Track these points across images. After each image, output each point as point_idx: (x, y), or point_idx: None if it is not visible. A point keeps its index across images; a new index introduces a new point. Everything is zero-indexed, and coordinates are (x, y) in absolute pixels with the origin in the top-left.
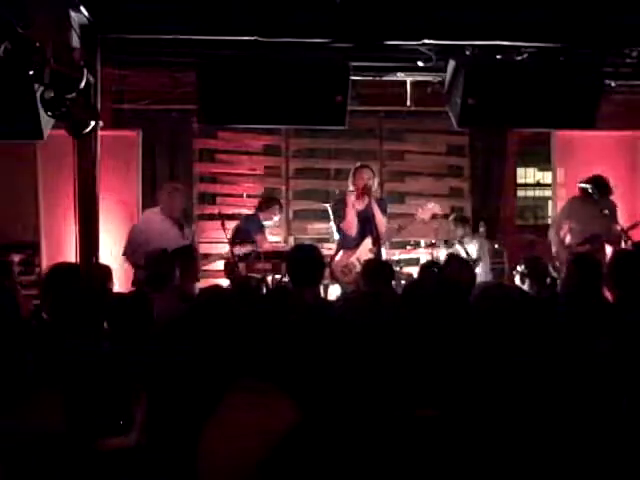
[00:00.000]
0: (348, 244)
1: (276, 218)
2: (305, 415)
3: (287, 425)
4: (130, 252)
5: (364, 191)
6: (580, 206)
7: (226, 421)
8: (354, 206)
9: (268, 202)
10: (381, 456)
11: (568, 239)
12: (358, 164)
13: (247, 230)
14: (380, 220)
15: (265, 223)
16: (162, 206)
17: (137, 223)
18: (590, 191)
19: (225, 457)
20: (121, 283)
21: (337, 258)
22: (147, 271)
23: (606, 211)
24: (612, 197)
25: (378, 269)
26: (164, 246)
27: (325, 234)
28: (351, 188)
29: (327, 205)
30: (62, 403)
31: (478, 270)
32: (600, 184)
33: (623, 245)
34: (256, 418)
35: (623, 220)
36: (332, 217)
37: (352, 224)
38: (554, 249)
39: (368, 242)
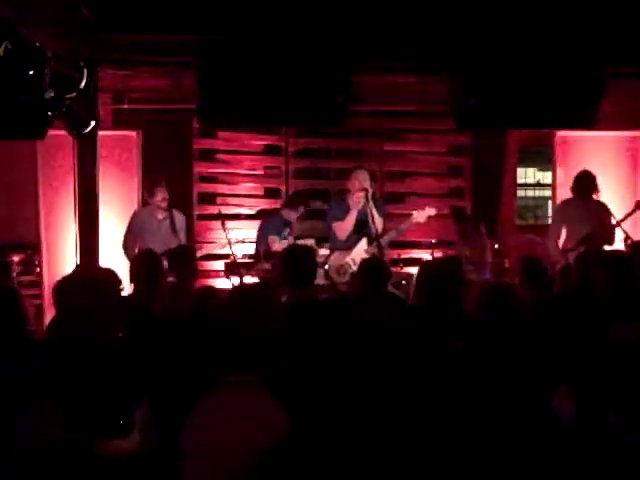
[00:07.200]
0: (338, 245)
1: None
2: (290, 414)
3: (270, 423)
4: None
5: (362, 193)
6: (570, 208)
7: (208, 419)
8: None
9: (295, 200)
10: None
11: (562, 243)
12: (354, 166)
13: (266, 232)
14: (377, 220)
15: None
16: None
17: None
18: (576, 191)
19: (208, 457)
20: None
21: (331, 259)
22: (132, 272)
23: (595, 210)
24: (610, 197)
25: (374, 269)
26: (150, 241)
27: (325, 234)
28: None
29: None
30: (63, 407)
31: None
32: (581, 183)
33: (623, 245)
34: (239, 416)
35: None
36: (328, 215)
37: (347, 228)
38: (553, 255)
39: (364, 243)
